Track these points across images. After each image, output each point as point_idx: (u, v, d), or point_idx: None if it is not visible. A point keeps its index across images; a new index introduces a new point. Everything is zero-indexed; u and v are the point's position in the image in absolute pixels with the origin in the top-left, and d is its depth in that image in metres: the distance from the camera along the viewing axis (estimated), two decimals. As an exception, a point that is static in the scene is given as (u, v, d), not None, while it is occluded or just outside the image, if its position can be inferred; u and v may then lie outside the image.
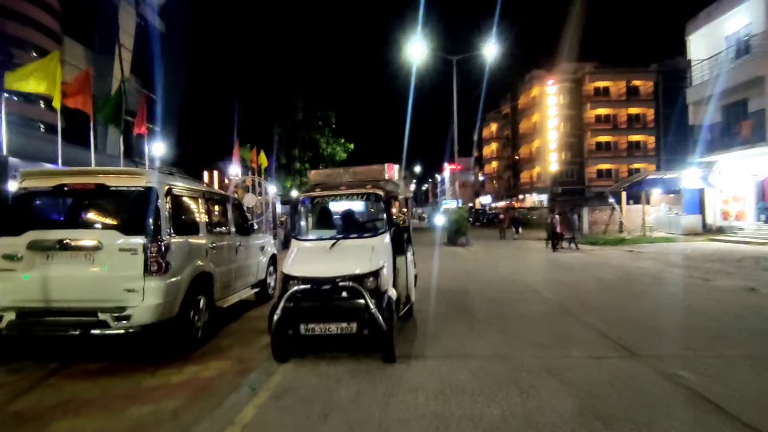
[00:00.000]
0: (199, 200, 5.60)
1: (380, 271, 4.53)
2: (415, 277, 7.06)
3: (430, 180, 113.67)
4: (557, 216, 17.00)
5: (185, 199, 5.32)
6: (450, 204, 31.32)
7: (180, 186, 5.20)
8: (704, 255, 14.25)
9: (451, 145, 24.83)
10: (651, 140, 50.00)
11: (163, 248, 4.46)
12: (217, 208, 6.26)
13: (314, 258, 4.81)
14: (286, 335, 4.34)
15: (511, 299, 7.94)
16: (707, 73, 20.24)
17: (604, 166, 50.26)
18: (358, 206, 6.17)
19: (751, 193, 18.89)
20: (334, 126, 23.80)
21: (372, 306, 4.21)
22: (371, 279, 4.46)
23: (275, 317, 4.29)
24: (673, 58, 51.68)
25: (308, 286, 4.39)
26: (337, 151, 23.99)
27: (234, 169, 15.22)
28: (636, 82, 49.90)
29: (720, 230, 20.03)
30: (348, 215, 5.62)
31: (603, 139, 50.20)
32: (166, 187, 4.79)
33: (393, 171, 6.13)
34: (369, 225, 5.61)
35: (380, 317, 4.18)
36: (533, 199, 54.01)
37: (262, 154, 17.06)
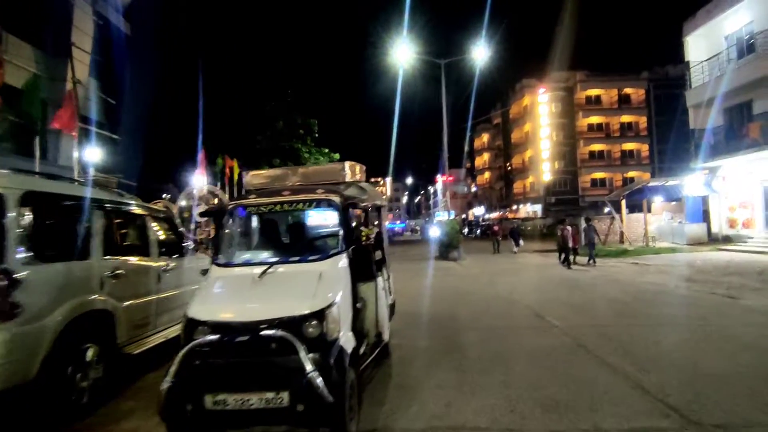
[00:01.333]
0: (93, 212, 4.15)
1: (328, 310, 3.12)
2: (392, 306, 5.66)
3: (422, 192, 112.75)
4: (569, 227, 14.79)
5: (64, 210, 3.89)
6: (443, 216, 30.17)
7: (51, 191, 3.76)
8: (718, 267, 12.99)
9: (443, 155, 23.63)
10: (644, 148, 49.31)
11: (6, 283, 3.03)
12: (125, 222, 4.82)
13: (234, 293, 3.39)
14: (183, 411, 2.87)
15: (511, 328, 6.54)
16: (707, 75, 19.28)
17: (598, 175, 49.41)
18: (310, 218, 4.78)
19: (759, 200, 17.77)
20: (316, 135, 22.52)
21: (310, 367, 2.80)
22: (313, 323, 3.04)
23: (166, 385, 2.85)
24: (663, 66, 51.42)
25: (218, 336, 2.96)
26: (320, 160, 22.62)
27: (199, 181, 13.77)
28: (628, 90, 49.40)
29: (727, 239, 18.86)
30: (292, 230, 4.23)
31: (596, 147, 49.44)
32: (21, 193, 3.35)
33: (357, 172, 4.78)
34: (318, 244, 4.20)
35: (323, 384, 2.76)
36: (526, 209, 52.95)
37: (235, 164, 15.66)
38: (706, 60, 19.31)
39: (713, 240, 19.40)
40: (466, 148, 74.98)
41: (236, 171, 15.77)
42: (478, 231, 48.37)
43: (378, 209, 5.28)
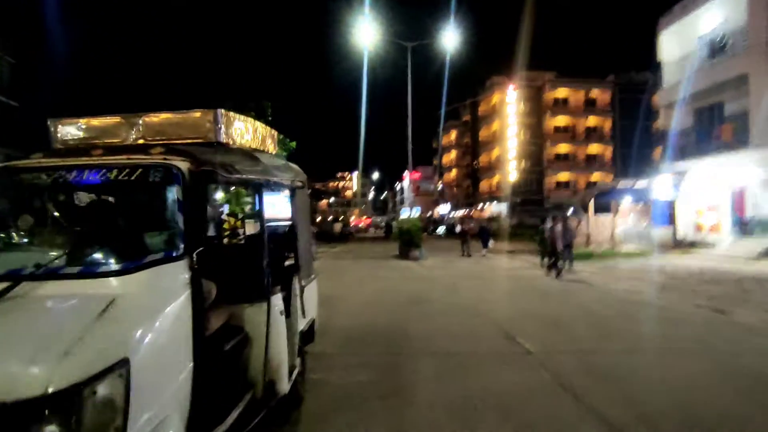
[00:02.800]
0: None
1: (96, 385, 1.48)
2: (310, 330, 4.10)
3: (389, 188, 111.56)
4: (559, 226, 12.19)
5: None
6: (407, 213, 28.78)
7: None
8: (691, 274, 12.16)
9: (410, 148, 22.19)
10: (608, 152, 49.85)
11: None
12: None
13: None
14: None
15: (475, 355, 5.09)
16: (679, 75, 18.72)
17: (563, 177, 49.56)
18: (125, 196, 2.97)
19: (726, 204, 17.34)
20: (270, 118, 20.52)
21: None
22: (55, 420, 1.39)
23: None
24: (628, 72, 52.17)
25: None
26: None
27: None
28: (594, 93, 49.74)
29: (692, 244, 18.39)
30: (86, 216, 2.55)
31: (562, 149, 49.56)
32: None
33: (250, 132, 3.18)
34: (126, 242, 2.45)
35: None
36: (492, 208, 52.55)
37: None
38: (678, 59, 18.74)
39: (679, 244, 18.91)
40: (435, 145, 74.42)
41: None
42: (443, 229, 47.49)
43: (292, 191, 3.67)
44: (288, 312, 3.32)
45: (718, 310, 7.55)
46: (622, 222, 21.51)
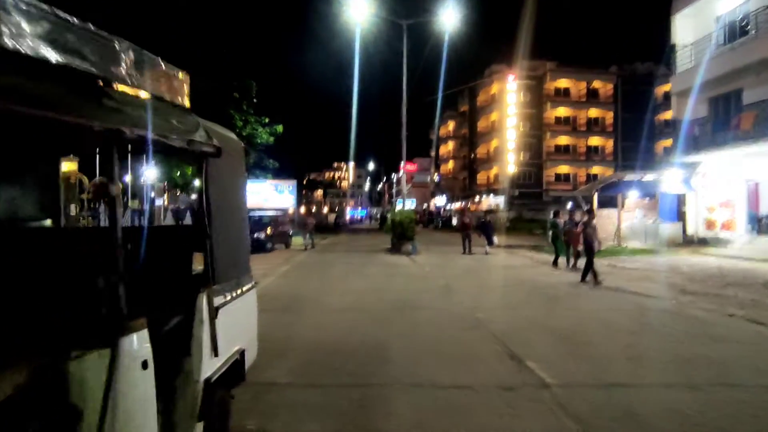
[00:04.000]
0: None
1: None
2: (241, 360, 2.84)
3: (385, 179, 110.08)
4: (594, 222, 10.28)
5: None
6: (404, 205, 27.47)
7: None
8: (709, 275, 11.00)
9: (405, 136, 20.83)
10: (609, 144, 48.67)
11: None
12: None
13: None
14: None
15: (473, 391, 3.84)
16: (693, 60, 17.43)
17: (563, 170, 48.38)
18: None
19: (742, 200, 16.18)
20: (255, 100, 19.17)
21: None
22: None
23: None
24: (632, 63, 50.84)
25: None
26: (259, 132, 19.32)
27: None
28: (596, 84, 48.40)
29: (703, 242, 17.26)
30: None
31: (562, 141, 48.32)
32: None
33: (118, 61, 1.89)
34: None
35: None
36: (489, 201, 51.36)
37: None
38: (693, 43, 17.43)
39: (688, 242, 17.79)
40: (432, 136, 72.98)
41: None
42: (440, 222, 46.32)
43: (201, 157, 2.37)
44: (178, 359, 2.09)
45: (756, 321, 6.39)
46: (628, 217, 20.34)
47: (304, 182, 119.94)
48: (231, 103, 18.28)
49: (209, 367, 2.22)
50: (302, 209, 60.63)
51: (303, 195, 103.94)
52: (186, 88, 2.67)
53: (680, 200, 19.11)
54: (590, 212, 10.68)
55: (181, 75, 2.66)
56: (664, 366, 4.50)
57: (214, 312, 2.27)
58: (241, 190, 3.03)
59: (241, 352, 2.68)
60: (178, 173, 17.53)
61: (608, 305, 7.55)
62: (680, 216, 19.05)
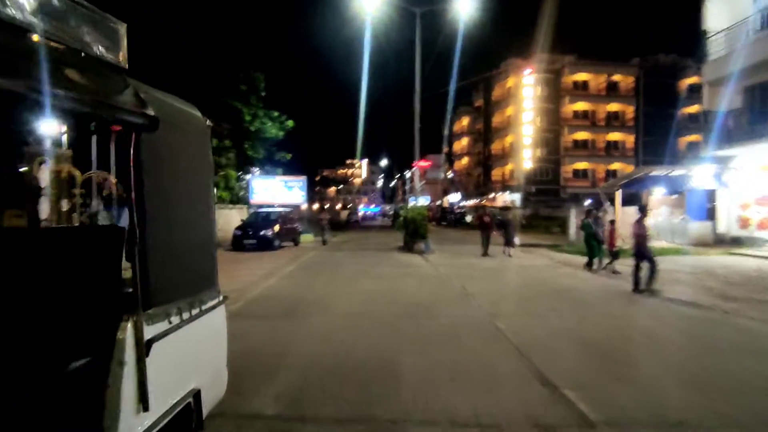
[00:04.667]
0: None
1: None
2: (195, 404, 2.15)
3: (398, 176, 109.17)
4: (646, 222, 8.65)
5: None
6: (417, 202, 26.64)
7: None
8: (748, 278, 10.08)
9: (418, 129, 20.04)
10: (630, 140, 47.10)
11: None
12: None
13: None
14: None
15: (501, 429, 3.13)
16: (727, 47, 16.28)
17: (581, 166, 47.00)
18: None
19: (781, 197, 15.05)
20: (263, 93, 18.60)
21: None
22: None
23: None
24: (654, 55, 49.07)
25: None
26: (267, 126, 18.75)
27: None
28: (617, 77, 46.84)
29: (736, 241, 16.18)
30: None
31: (580, 136, 46.92)
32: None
33: None
34: None
35: None
36: (504, 198, 50.23)
37: None
38: (728, 29, 16.27)
39: (720, 241, 16.71)
40: (445, 132, 71.84)
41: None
42: (453, 218, 45.42)
43: (132, 130, 1.70)
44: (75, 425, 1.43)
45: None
46: (653, 214, 19.27)
47: (317, 179, 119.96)
48: (238, 96, 17.75)
49: (132, 429, 1.55)
50: (315, 206, 60.32)
51: (316, 192, 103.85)
52: (123, 43, 2.00)
53: (710, 197, 18.00)
54: (643, 209, 9.09)
55: (117, 26, 1.99)
56: (731, 396, 3.71)
57: (143, 348, 1.61)
58: (203, 178, 2.35)
59: (195, 394, 2.01)
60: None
61: (644, 313, 6.74)
62: (710, 214, 17.94)
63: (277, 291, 8.39)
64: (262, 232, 15.62)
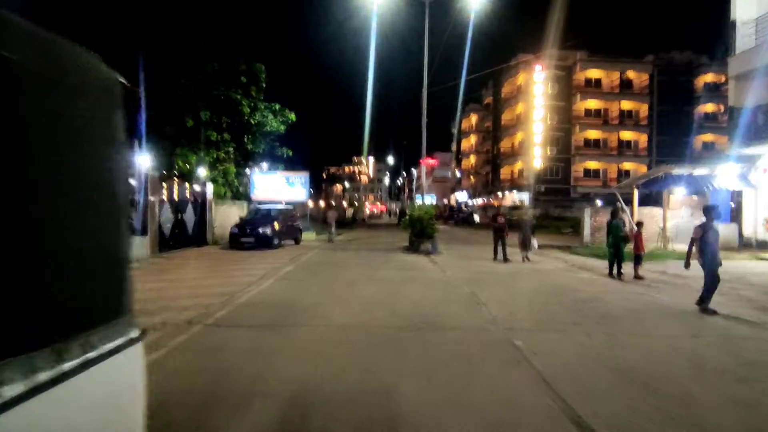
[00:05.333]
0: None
1: None
2: None
3: (405, 173, 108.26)
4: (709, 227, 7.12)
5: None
6: (424, 200, 25.94)
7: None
8: (789, 288, 9.19)
9: (425, 123, 19.23)
10: (643, 139, 45.91)
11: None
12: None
13: None
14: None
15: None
16: (757, 38, 15.29)
17: (592, 165, 45.92)
18: None
19: (814, 198, 14.07)
20: (264, 85, 17.89)
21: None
22: None
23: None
24: (669, 52, 47.78)
25: None
26: (269, 119, 18.04)
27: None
28: (630, 74, 45.63)
29: (763, 245, 15.24)
30: None
31: (592, 135, 45.82)
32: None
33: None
34: None
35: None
36: (513, 197, 49.24)
37: None
38: (757, 19, 15.29)
39: (745, 245, 15.74)
40: (453, 130, 70.90)
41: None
42: (460, 217, 44.55)
43: None
44: None
45: None
46: (672, 216, 18.31)
47: (324, 176, 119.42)
48: (238, 87, 17.04)
49: None
50: (321, 203, 59.69)
51: (322, 189, 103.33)
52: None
53: (734, 198, 17.03)
54: (711, 210, 7.44)
55: None
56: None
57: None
58: (105, 160, 1.58)
59: None
60: (181, 161, 16.42)
61: (683, 330, 5.91)
62: (734, 216, 16.98)
63: (270, 295, 7.66)
64: (260, 230, 14.91)
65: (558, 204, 42.92)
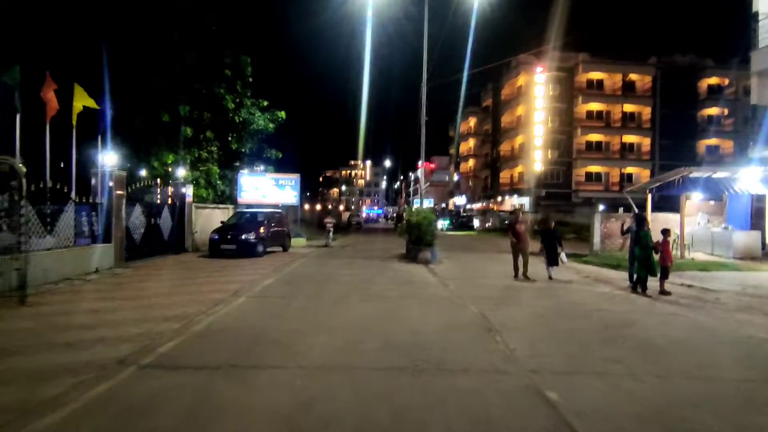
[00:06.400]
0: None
1: None
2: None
3: (402, 177, 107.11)
4: None
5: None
6: (422, 203, 24.79)
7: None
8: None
9: (424, 121, 18.03)
10: (646, 142, 44.87)
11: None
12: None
13: None
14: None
15: None
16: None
17: (594, 169, 44.83)
18: None
19: None
20: (250, 79, 16.57)
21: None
22: None
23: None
24: (672, 54, 46.82)
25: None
26: (256, 117, 16.72)
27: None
28: (633, 76, 44.64)
29: (790, 255, 14.04)
30: None
31: (594, 138, 44.75)
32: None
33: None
34: None
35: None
36: (513, 201, 48.08)
37: (81, 92, 9.55)
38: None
39: (769, 254, 14.58)
40: (451, 134, 69.78)
41: (77, 107, 9.70)
42: (458, 221, 43.34)
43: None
44: None
45: None
46: (688, 222, 17.12)
47: (320, 179, 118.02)
48: (221, 81, 15.73)
49: None
50: (318, 207, 58.36)
51: (319, 193, 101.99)
52: None
53: (756, 203, 15.88)
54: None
55: None
56: None
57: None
58: None
59: None
60: (157, 161, 15.06)
61: (753, 370, 4.65)
62: (755, 222, 15.81)
63: (238, 319, 6.34)
64: (243, 236, 13.59)
65: (559, 209, 41.69)
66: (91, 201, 10.05)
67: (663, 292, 9.17)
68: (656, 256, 9.47)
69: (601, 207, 39.54)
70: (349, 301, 7.62)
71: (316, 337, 5.44)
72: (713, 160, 40.32)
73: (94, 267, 9.92)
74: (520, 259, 10.49)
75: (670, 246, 9.57)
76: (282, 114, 18.02)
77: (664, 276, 9.35)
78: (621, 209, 19.15)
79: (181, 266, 11.78)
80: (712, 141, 44.80)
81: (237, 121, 16.44)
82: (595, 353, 5.09)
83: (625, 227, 10.97)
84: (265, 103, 17.39)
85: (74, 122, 9.85)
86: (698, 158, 42.71)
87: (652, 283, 9.20)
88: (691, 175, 15.87)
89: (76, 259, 9.41)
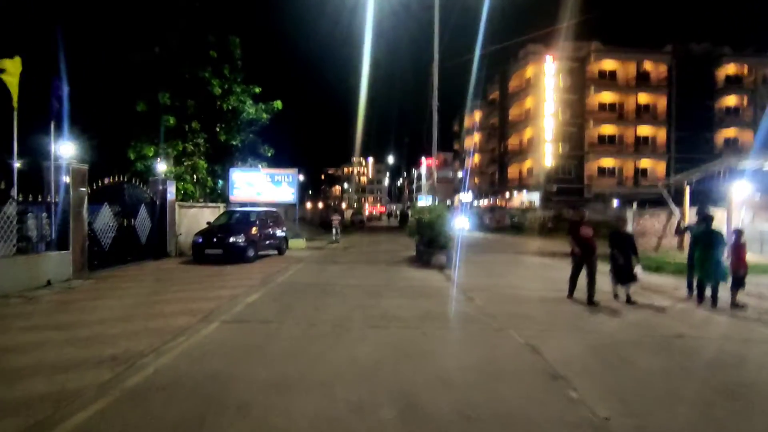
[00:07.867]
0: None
1: None
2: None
3: (405, 174, 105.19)
4: None
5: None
6: (425, 201, 23.19)
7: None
8: None
9: (430, 133, 16.33)
10: (661, 134, 42.94)
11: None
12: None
13: None
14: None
15: None
16: None
17: (607, 163, 42.95)
18: None
19: None
20: (239, 63, 14.83)
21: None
22: None
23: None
24: (688, 42, 44.80)
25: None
26: (246, 105, 14.98)
27: None
28: (647, 66, 42.69)
29: None
30: None
31: (607, 130, 42.85)
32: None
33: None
34: None
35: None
36: (522, 198, 46.26)
37: (13, 63, 7.80)
38: None
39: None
40: (456, 128, 67.90)
41: (11, 81, 7.90)
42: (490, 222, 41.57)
43: None
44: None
45: None
46: (734, 218, 15.30)
47: (322, 177, 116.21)
48: (206, 64, 13.98)
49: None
50: (320, 205, 56.65)
51: (321, 191, 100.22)
52: None
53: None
54: None
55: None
56: None
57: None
58: None
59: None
60: (133, 155, 13.37)
61: None
62: (810, 218, 13.99)
63: (196, 362, 4.57)
64: (231, 239, 11.87)
65: (571, 205, 39.88)
66: (41, 200, 8.35)
67: (735, 304, 7.43)
68: (726, 262, 7.75)
69: (615, 203, 37.78)
70: (353, 327, 5.88)
71: (303, 396, 3.71)
72: (732, 153, 38.39)
73: (45, 280, 8.23)
74: (583, 274, 7.56)
75: (745, 249, 7.80)
76: (278, 104, 16.29)
77: (739, 286, 7.60)
78: (635, 204, 17.17)
79: (155, 276, 10.06)
80: (731, 132, 42.84)
81: (225, 109, 14.72)
82: (695, 406, 3.34)
83: (681, 225, 9.18)
84: (258, 90, 15.65)
85: (15, 104, 8.15)
86: (716, 150, 40.78)
87: (723, 293, 7.46)
88: (739, 166, 14.02)
89: (19, 271, 7.72)
